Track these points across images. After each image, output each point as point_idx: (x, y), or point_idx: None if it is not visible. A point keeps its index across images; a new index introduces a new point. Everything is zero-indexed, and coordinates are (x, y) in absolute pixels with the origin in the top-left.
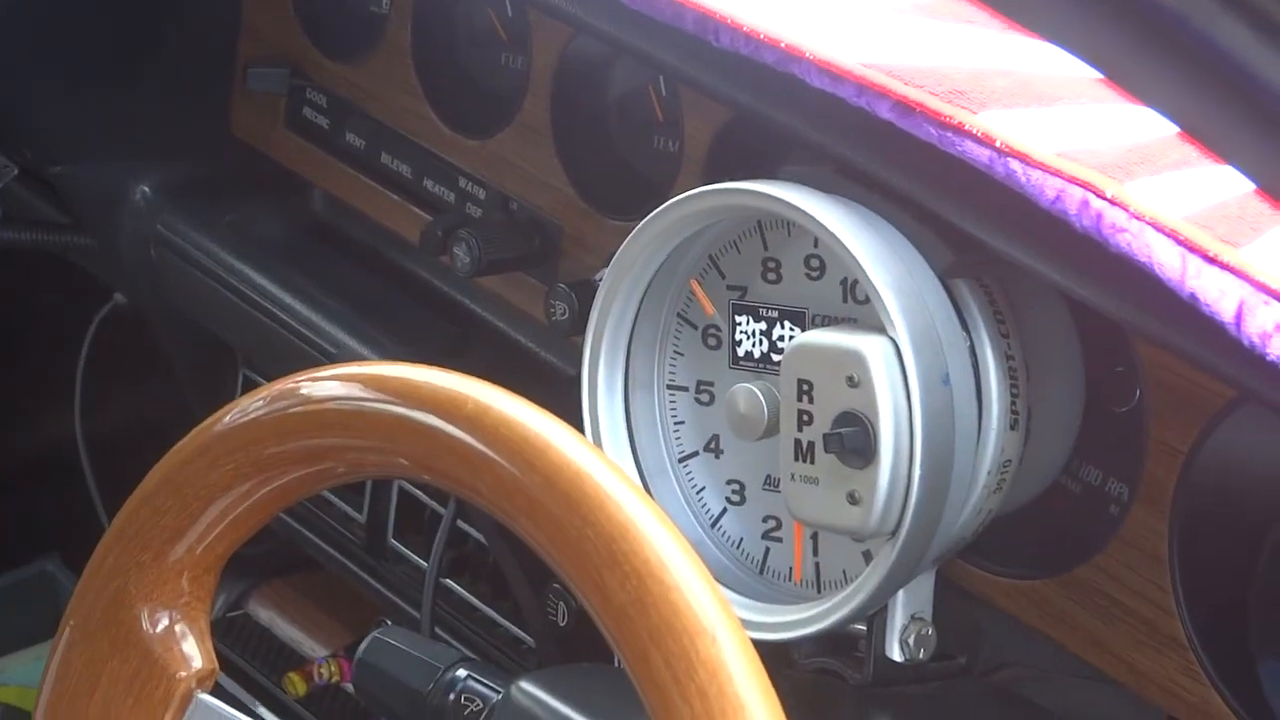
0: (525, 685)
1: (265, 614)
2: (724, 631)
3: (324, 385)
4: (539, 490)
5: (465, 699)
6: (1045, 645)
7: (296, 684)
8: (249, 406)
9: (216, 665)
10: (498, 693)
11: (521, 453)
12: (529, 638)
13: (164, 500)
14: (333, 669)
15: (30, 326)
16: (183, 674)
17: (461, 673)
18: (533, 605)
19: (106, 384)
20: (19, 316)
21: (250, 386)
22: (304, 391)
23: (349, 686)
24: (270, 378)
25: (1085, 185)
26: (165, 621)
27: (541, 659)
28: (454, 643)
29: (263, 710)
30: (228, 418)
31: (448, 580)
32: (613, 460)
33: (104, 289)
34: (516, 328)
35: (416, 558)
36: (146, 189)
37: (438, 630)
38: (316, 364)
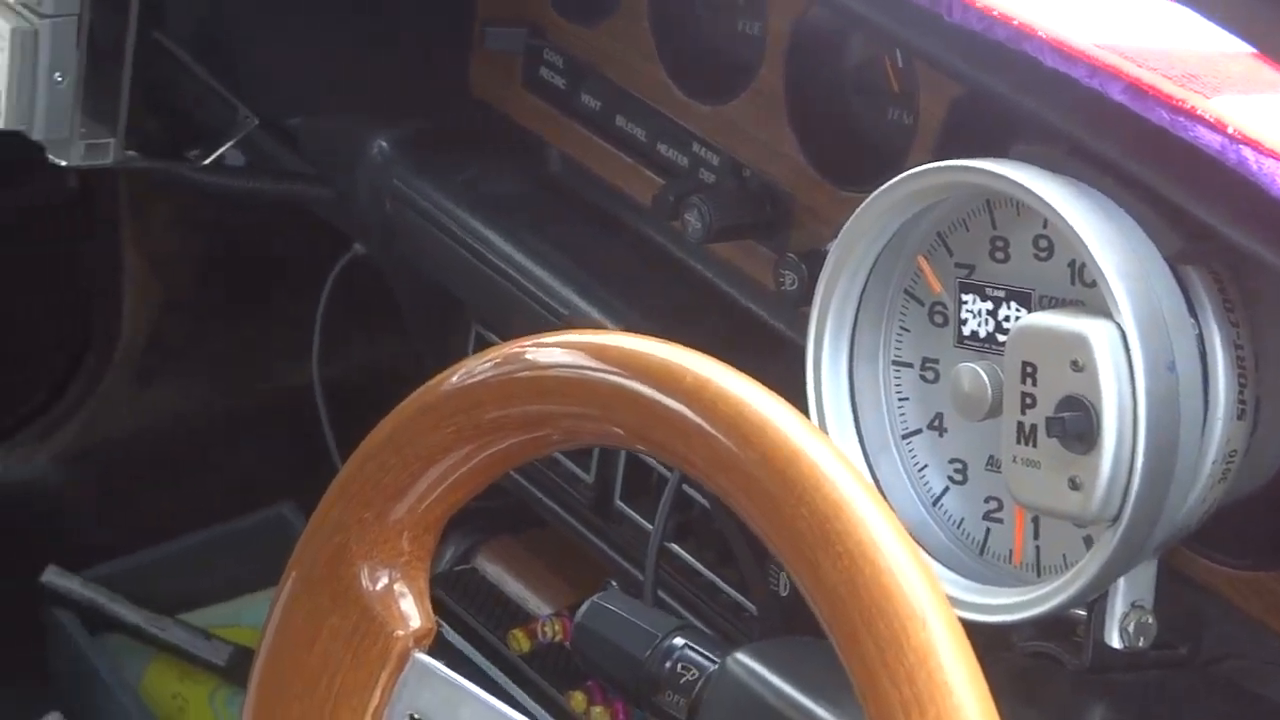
0: (741, 657)
1: (493, 569)
2: (935, 616)
3: (548, 351)
4: (754, 466)
5: (682, 667)
6: (1272, 639)
7: (520, 640)
8: (475, 368)
9: (434, 625)
10: (714, 662)
11: (738, 428)
12: (750, 605)
13: (387, 458)
14: (556, 628)
15: (272, 273)
16: (400, 632)
17: (679, 641)
18: (755, 574)
19: (345, 332)
20: (261, 263)
21: (483, 343)
22: (528, 356)
23: (570, 641)
24: (501, 334)
25: None
26: (385, 579)
27: (762, 628)
28: (676, 606)
29: (486, 664)
30: (454, 378)
31: (672, 544)
32: (832, 436)
33: (344, 238)
34: (746, 295)
35: (642, 520)
36: (384, 143)
37: (660, 593)
38: (546, 323)
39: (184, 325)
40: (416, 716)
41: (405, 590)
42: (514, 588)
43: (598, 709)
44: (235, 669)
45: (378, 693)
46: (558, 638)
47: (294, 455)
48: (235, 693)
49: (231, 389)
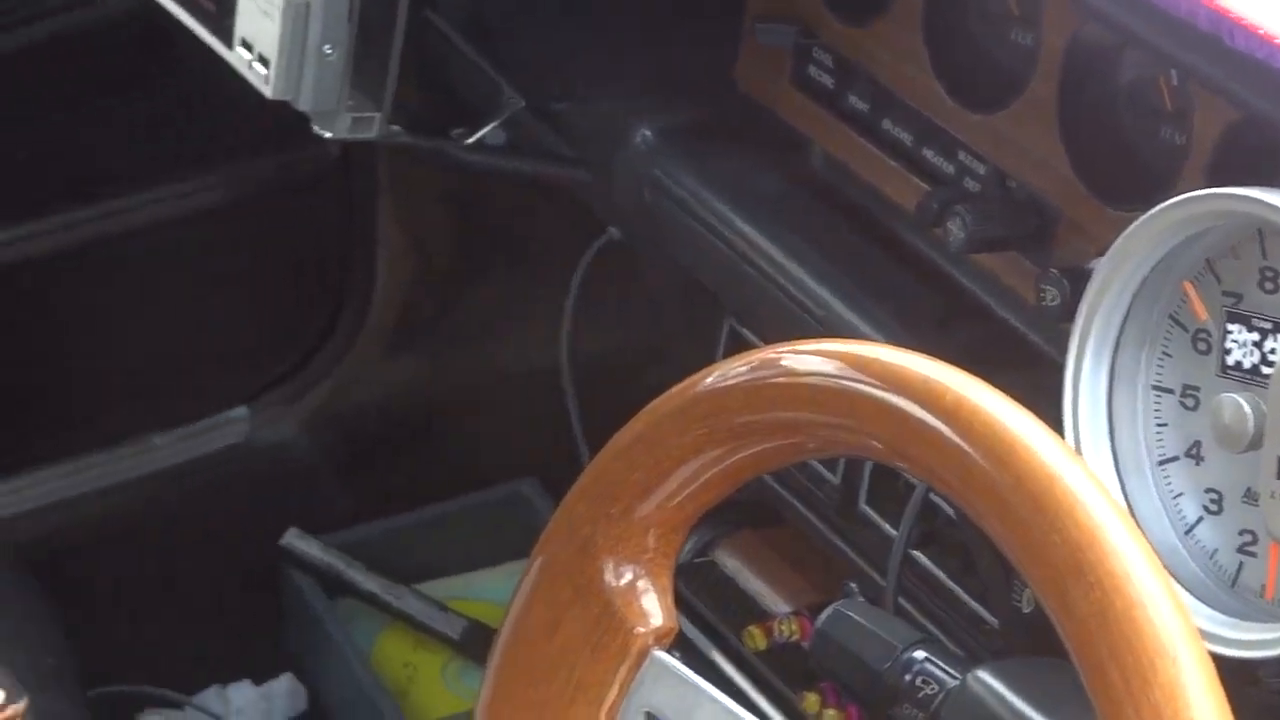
0: (982, 674)
1: (732, 563)
2: (1186, 653)
3: (805, 359)
4: (1008, 490)
5: (921, 681)
6: None
7: (756, 638)
8: (730, 371)
9: (677, 625)
10: (954, 678)
11: (994, 450)
12: (992, 618)
13: (638, 455)
14: (793, 627)
15: (528, 251)
16: (641, 629)
17: (920, 654)
18: (999, 589)
19: (595, 315)
20: (515, 242)
21: (735, 338)
22: (785, 363)
23: (808, 645)
24: (753, 329)
25: None
26: (629, 576)
27: (1003, 642)
28: (915, 614)
29: (720, 659)
30: (708, 380)
31: (915, 551)
32: (1087, 457)
33: (599, 221)
34: (1005, 307)
35: (886, 525)
36: (647, 132)
37: (901, 600)
38: (800, 322)
39: (436, 298)
40: (652, 714)
41: (648, 587)
42: (752, 583)
43: (831, 712)
44: (469, 643)
45: (615, 687)
46: (794, 637)
47: (537, 433)
48: (467, 666)
49: (479, 364)
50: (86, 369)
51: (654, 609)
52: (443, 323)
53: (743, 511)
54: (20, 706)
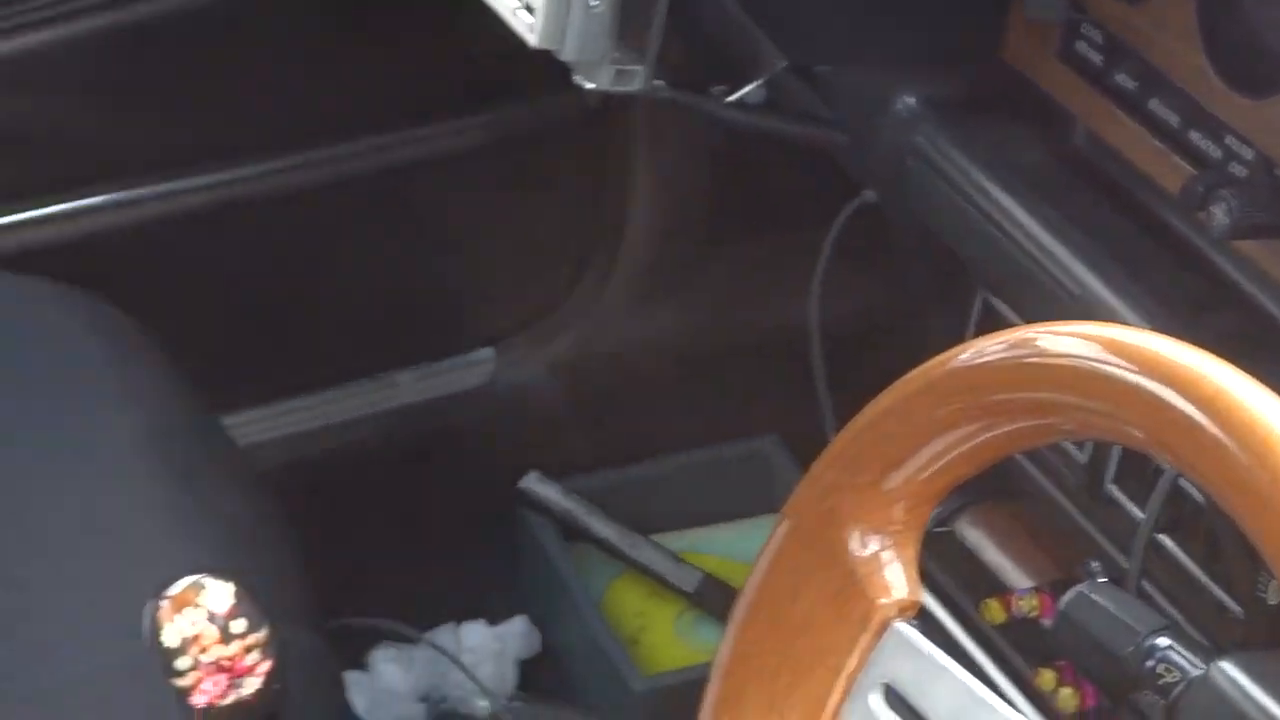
0: (1226, 665)
1: (973, 535)
2: None
3: (1063, 341)
4: (1265, 485)
5: (1163, 668)
6: None
7: (994, 611)
8: (985, 349)
9: (920, 598)
10: (1197, 667)
11: (1253, 446)
12: (1237, 608)
13: (890, 427)
14: (1033, 603)
15: (777, 210)
16: (884, 600)
17: (1163, 641)
18: (1245, 578)
19: (844, 277)
20: (768, 200)
21: (988, 311)
22: (1041, 344)
23: (1046, 622)
24: (1007, 303)
25: None
26: (875, 546)
27: (1246, 633)
28: (1158, 598)
29: (957, 630)
30: (963, 356)
31: (1161, 535)
32: None
33: (853, 184)
34: (1267, 295)
35: (1132, 507)
36: (910, 99)
37: (1143, 584)
38: (1056, 299)
39: (687, 251)
40: (890, 685)
41: (893, 559)
42: (993, 556)
43: (1066, 690)
44: (703, 596)
45: (855, 656)
46: (1033, 613)
47: (781, 391)
48: (700, 619)
49: (726, 320)
50: (339, 303)
51: (898, 581)
52: (692, 277)
53: (986, 484)
54: (262, 636)
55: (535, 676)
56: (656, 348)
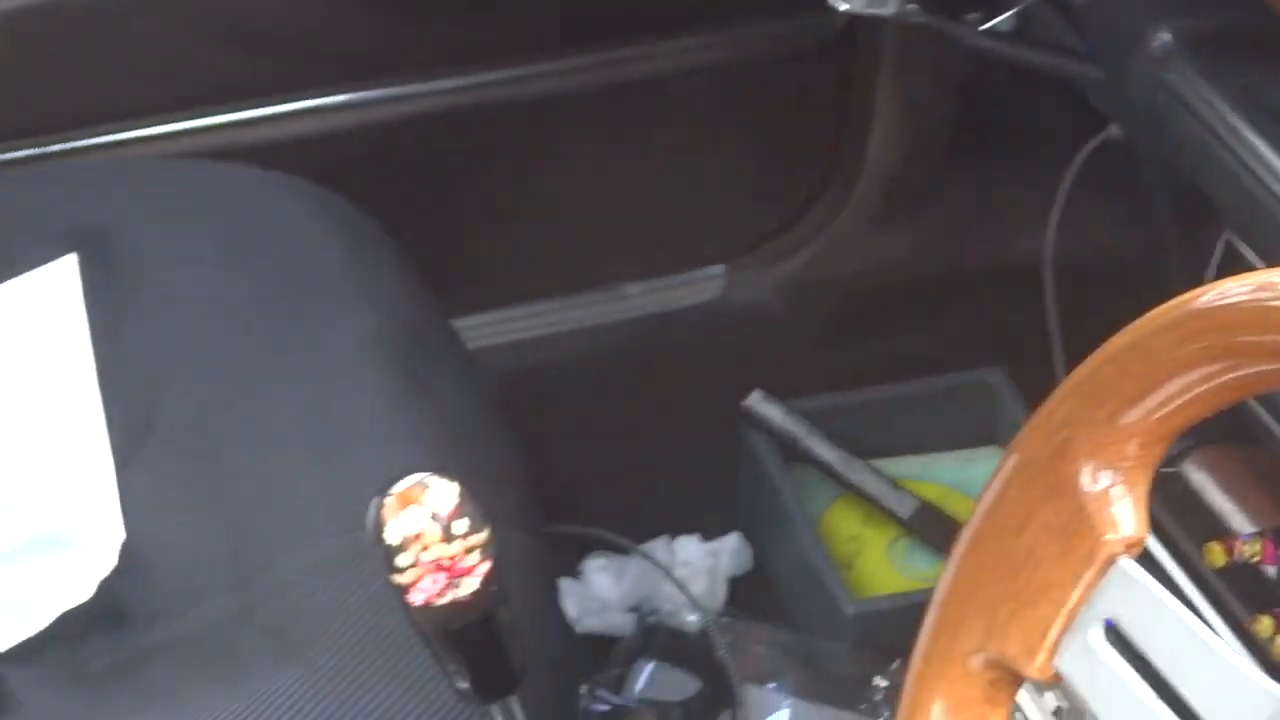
0: None
1: (1198, 476)
2: None
3: None
4: None
5: None
6: None
7: (1216, 554)
8: (1230, 290)
9: (1147, 535)
10: None
11: None
12: None
13: (1130, 363)
14: (1256, 548)
15: (1020, 140)
16: (1111, 536)
17: None
18: None
19: (1084, 210)
20: (1011, 129)
21: (1231, 253)
22: None
23: (1268, 569)
24: (1254, 246)
25: None
26: (1106, 481)
27: None
28: None
29: (1176, 570)
30: (1206, 297)
31: None
32: None
33: (1099, 118)
34: None
35: None
36: (1166, 35)
37: None
38: None
39: (925, 178)
40: (1113, 622)
41: (1124, 495)
42: (1217, 499)
43: None
44: (918, 523)
45: (1078, 591)
46: (1255, 558)
47: (1010, 322)
48: (914, 545)
49: (960, 249)
50: (573, 213)
51: (1126, 517)
52: (928, 203)
53: (1215, 426)
54: (483, 537)
55: (746, 594)
56: (887, 273)
